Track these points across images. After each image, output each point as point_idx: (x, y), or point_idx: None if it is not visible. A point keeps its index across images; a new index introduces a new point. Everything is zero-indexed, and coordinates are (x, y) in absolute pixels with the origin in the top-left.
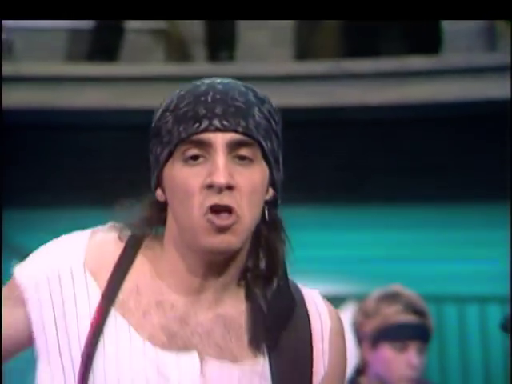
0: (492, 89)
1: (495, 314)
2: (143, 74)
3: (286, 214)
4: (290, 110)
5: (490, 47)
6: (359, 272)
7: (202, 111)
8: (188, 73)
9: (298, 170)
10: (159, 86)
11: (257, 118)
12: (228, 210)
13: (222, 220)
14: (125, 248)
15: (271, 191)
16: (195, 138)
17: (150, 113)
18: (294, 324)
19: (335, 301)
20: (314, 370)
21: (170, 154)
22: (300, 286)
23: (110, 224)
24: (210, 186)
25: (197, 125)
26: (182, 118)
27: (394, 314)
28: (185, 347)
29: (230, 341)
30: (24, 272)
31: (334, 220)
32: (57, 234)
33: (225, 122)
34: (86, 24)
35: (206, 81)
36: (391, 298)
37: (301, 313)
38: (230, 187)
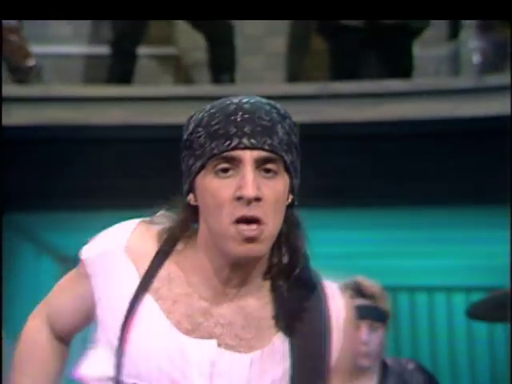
0: (456, 108)
1: (460, 302)
2: (155, 94)
3: None
4: None
5: (455, 71)
6: (343, 266)
7: (233, 130)
8: (194, 94)
9: None
10: (169, 105)
11: (280, 134)
12: (256, 220)
13: (251, 231)
14: (163, 242)
15: (290, 196)
16: (226, 154)
17: (161, 128)
18: (314, 313)
19: None
20: (332, 354)
21: (203, 167)
22: (322, 278)
23: (157, 216)
24: (239, 198)
25: (228, 142)
26: (213, 134)
27: None
28: (208, 336)
29: (249, 332)
30: (86, 251)
31: (321, 221)
32: (85, 234)
33: (253, 141)
34: (105, 50)
35: (235, 100)
36: (345, 286)
37: (321, 304)
38: (257, 199)
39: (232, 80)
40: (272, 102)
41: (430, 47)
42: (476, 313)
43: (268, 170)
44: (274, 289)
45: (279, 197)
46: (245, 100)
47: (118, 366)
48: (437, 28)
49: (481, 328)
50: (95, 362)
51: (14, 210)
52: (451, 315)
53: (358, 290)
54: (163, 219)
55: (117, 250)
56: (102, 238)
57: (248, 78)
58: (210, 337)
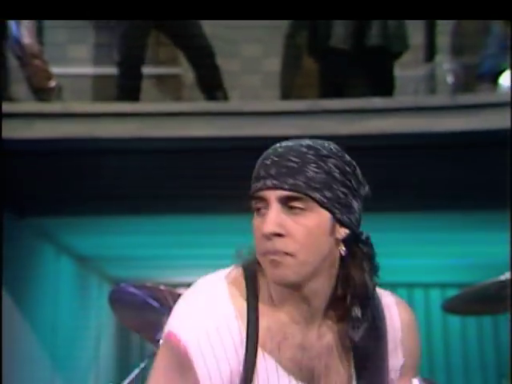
0: (433, 123)
1: (436, 297)
2: (159, 110)
3: None
4: (277, 139)
5: (431, 90)
6: None
7: (262, 173)
8: (194, 109)
9: None
10: (171, 119)
11: (309, 173)
12: (279, 253)
13: (274, 259)
14: (246, 283)
15: (343, 230)
16: (256, 194)
17: (166, 140)
18: (377, 329)
19: None
20: (390, 363)
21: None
22: (378, 290)
23: (233, 268)
24: (263, 235)
25: (256, 184)
26: (253, 179)
27: None
28: (309, 378)
29: (335, 366)
30: (184, 330)
31: None
32: (99, 236)
33: (275, 182)
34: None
35: (277, 144)
36: None
37: (381, 317)
38: (278, 235)
39: (225, 97)
40: (315, 144)
41: (409, 69)
42: (450, 307)
43: (294, 208)
44: (348, 317)
45: (310, 230)
46: (284, 144)
47: None
48: (415, 51)
49: (454, 320)
50: None
51: (35, 214)
52: (428, 309)
53: None
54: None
55: (228, 319)
56: (199, 313)
57: (247, 95)
58: (312, 376)
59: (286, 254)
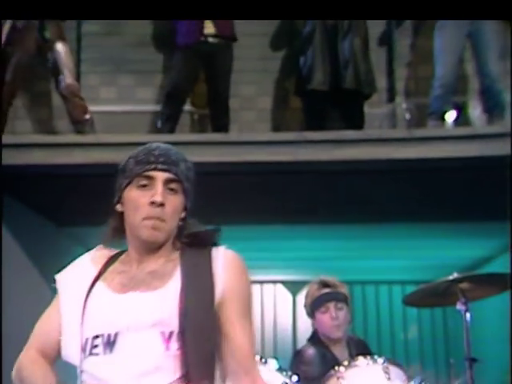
0: (394, 152)
1: (398, 292)
2: (178, 140)
3: (274, 229)
4: (269, 164)
5: (393, 125)
6: (316, 266)
7: (152, 159)
8: (204, 139)
9: (269, 202)
10: (187, 147)
11: (182, 168)
12: (161, 220)
13: (154, 230)
14: (116, 253)
15: (183, 213)
16: (146, 173)
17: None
18: (202, 266)
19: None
20: (217, 288)
21: (129, 183)
22: (219, 247)
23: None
24: (152, 203)
25: (148, 166)
26: (139, 161)
27: (314, 291)
28: (131, 289)
29: (153, 280)
30: (58, 275)
31: (303, 234)
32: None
33: (164, 166)
34: (137, 109)
35: (155, 143)
36: (314, 282)
37: (208, 259)
38: (162, 204)
39: (227, 130)
40: (178, 150)
41: (375, 107)
42: (409, 300)
43: (171, 189)
44: (180, 258)
45: (177, 207)
46: (160, 144)
47: (81, 328)
48: (380, 93)
49: (412, 311)
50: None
51: (70, 224)
52: (391, 302)
53: (323, 283)
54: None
55: (84, 260)
56: (73, 263)
57: (243, 128)
58: (133, 289)
59: (162, 220)
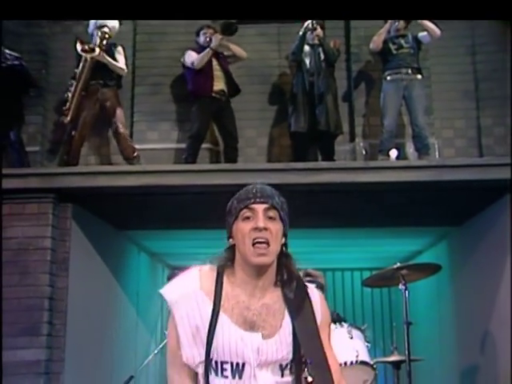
0: (356, 177)
1: (358, 277)
2: (199, 168)
3: None
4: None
5: (354, 158)
6: (301, 258)
7: (251, 195)
8: (218, 168)
9: None
10: (206, 174)
11: (277, 200)
12: (265, 242)
13: (262, 249)
14: (217, 275)
15: (283, 239)
16: (249, 206)
17: (201, 186)
18: (305, 304)
19: None
20: (317, 320)
21: (236, 218)
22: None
23: (208, 263)
24: (255, 228)
25: (248, 201)
26: (241, 200)
27: None
28: (255, 328)
29: (271, 318)
30: (168, 295)
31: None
32: (175, 244)
33: (263, 199)
34: (172, 146)
35: (252, 184)
36: (301, 273)
37: (307, 296)
38: (265, 228)
39: (235, 161)
40: (273, 188)
41: (341, 145)
42: (366, 283)
43: (270, 217)
44: (282, 293)
45: (277, 232)
46: (259, 184)
47: (208, 354)
48: (344, 135)
49: (368, 291)
50: (190, 356)
51: (128, 228)
52: (352, 284)
53: (307, 274)
54: (213, 262)
55: (192, 285)
56: (181, 284)
57: (247, 160)
58: (253, 327)
59: (267, 243)
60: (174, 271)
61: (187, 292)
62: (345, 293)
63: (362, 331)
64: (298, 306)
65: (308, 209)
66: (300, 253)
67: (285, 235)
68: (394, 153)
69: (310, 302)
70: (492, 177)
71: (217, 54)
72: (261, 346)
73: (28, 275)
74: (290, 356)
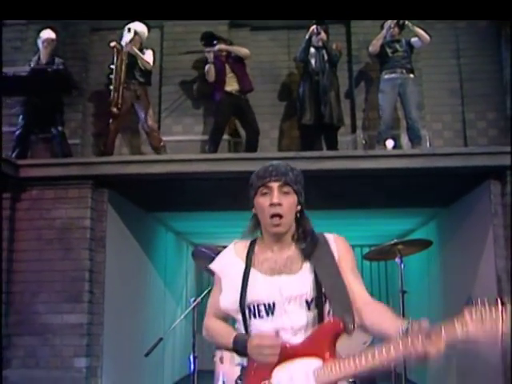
0: (358, 164)
1: (359, 252)
2: (220, 157)
3: None
4: None
5: (355, 148)
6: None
7: (267, 174)
8: (236, 157)
9: None
10: (229, 162)
11: (291, 176)
12: (279, 215)
13: (276, 220)
14: (250, 244)
15: (299, 207)
16: (266, 184)
17: (226, 173)
18: (323, 246)
19: None
20: (336, 257)
21: (255, 193)
22: (323, 233)
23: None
24: (271, 204)
25: (265, 180)
26: (260, 177)
27: None
28: (280, 273)
29: (292, 264)
30: (213, 265)
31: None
32: (197, 223)
33: (277, 177)
34: (192, 138)
35: (270, 162)
36: None
37: (325, 241)
38: (279, 204)
39: (256, 150)
40: (288, 163)
41: (344, 136)
42: (366, 257)
43: (285, 193)
44: (299, 246)
45: (291, 205)
46: (275, 162)
47: (245, 299)
48: (346, 127)
49: (367, 264)
50: (229, 302)
51: (156, 210)
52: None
53: None
54: (245, 234)
55: (229, 254)
56: (221, 256)
57: (261, 150)
58: (279, 272)
59: (281, 216)
60: (197, 248)
61: (225, 260)
62: None
63: None
64: (316, 251)
65: (315, 192)
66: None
67: (300, 203)
68: (390, 143)
69: (328, 246)
70: (475, 164)
71: (227, 59)
72: (284, 285)
73: (71, 251)
74: (313, 292)
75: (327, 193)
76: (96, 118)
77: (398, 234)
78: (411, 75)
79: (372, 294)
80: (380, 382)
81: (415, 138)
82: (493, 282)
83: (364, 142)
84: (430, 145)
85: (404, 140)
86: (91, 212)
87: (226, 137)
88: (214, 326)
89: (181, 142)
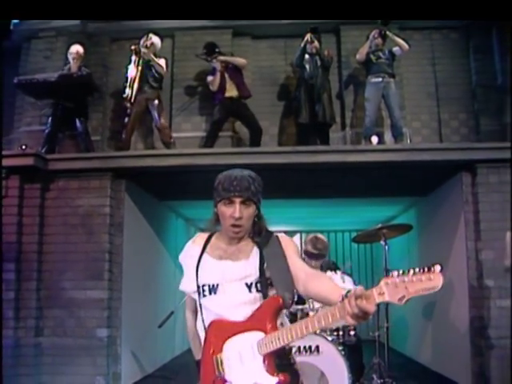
0: (346, 158)
1: (347, 236)
2: (226, 151)
3: (278, 201)
4: (276, 164)
5: (345, 143)
6: (304, 222)
7: (231, 188)
8: (241, 151)
9: (275, 186)
10: (231, 155)
11: (252, 189)
12: (239, 226)
13: (237, 232)
14: (208, 236)
15: (257, 211)
16: (229, 197)
17: (227, 166)
18: (273, 242)
19: (292, 233)
20: (287, 254)
21: (220, 201)
22: (276, 234)
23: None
24: (233, 216)
25: (230, 194)
26: (224, 189)
27: (309, 249)
28: (226, 259)
29: (240, 253)
30: (180, 257)
31: (296, 203)
32: (203, 211)
33: (240, 193)
34: (199, 134)
35: (234, 172)
36: (309, 240)
37: (276, 238)
38: (240, 217)
39: (259, 145)
40: (250, 172)
41: (335, 132)
42: (355, 240)
43: (246, 204)
44: (254, 239)
45: (251, 215)
46: (237, 171)
47: (197, 280)
48: (337, 125)
49: (355, 246)
50: (190, 287)
51: (168, 199)
52: (344, 242)
53: (315, 247)
54: (207, 227)
55: (191, 245)
56: (185, 248)
57: (262, 145)
58: (228, 259)
59: (241, 226)
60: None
61: (187, 250)
62: (337, 249)
63: (352, 277)
64: (266, 243)
65: (308, 183)
66: (302, 218)
67: (258, 209)
68: (375, 139)
69: (278, 241)
70: (449, 158)
71: (226, 69)
72: (227, 269)
73: (93, 235)
74: (256, 277)
75: (320, 183)
76: (115, 117)
77: (382, 219)
78: (393, 79)
79: (358, 273)
80: (365, 349)
81: (397, 135)
82: (463, 260)
83: (352, 137)
84: (410, 141)
85: (387, 136)
86: (110, 200)
87: (229, 133)
88: (189, 335)
89: (189, 138)
